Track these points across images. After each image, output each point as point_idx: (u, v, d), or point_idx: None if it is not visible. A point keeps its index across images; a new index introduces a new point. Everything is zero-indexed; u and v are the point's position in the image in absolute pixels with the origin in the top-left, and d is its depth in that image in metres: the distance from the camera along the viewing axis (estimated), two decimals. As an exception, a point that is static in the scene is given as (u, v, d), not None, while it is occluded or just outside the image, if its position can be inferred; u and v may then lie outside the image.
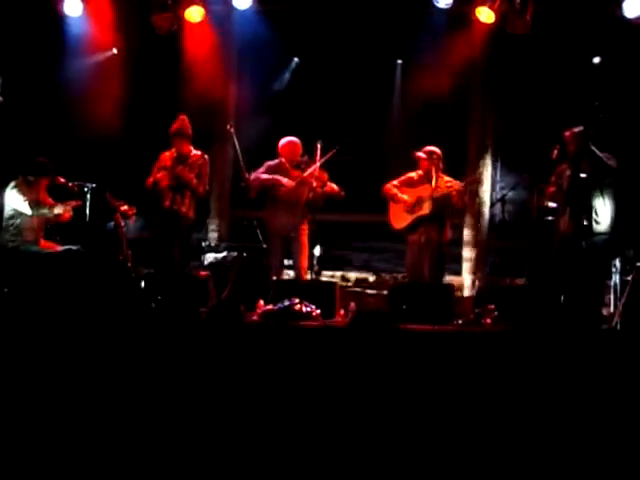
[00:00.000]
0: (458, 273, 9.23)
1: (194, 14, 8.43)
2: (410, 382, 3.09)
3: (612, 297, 7.30)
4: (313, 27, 8.85)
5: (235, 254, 8.03)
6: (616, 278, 7.33)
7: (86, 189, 7.83)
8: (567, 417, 3.50)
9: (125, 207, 7.70)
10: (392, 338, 3.10)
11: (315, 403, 3.00)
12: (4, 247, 7.25)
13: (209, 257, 8.22)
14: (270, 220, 7.62)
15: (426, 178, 7.48)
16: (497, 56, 8.69)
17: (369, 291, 9.10)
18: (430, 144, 7.59)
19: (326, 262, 8.30)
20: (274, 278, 7.19)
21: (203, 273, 7.34)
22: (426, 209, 7.36)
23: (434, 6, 8.17)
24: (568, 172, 7.01)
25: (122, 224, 7.70)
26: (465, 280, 9.21)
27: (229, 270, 7.73)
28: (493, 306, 6.43)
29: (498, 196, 8.69)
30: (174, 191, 7.45)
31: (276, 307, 6.37)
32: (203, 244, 8.80)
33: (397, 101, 9.49)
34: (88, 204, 7.83)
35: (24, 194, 7.30)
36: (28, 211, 7.25)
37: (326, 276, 8.95)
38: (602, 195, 6.89)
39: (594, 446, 3.25)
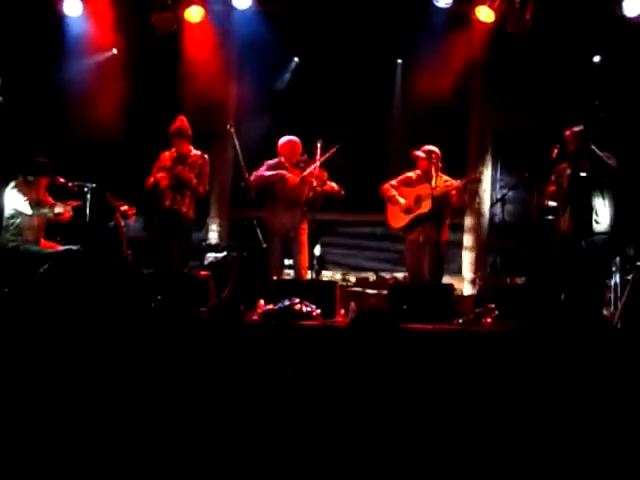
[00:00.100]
0: (458, 273, 9.23)
1: (194, 14, 8.43)
2: (412, 382, 3.08)
3: (612, 296, 7.31)
4: (313, 27, 8.85)
5: (235, 254, 8.04)
6: (616, 277, 7.33)
7: (86, 189, 7.83)
8: (568, 417, 3.50)
9: (125, 207, 7.71)
10: (394, 338, 3.09)
11: (316, 403, 3.00)
12: (4, 247, 7.25)
13: (209, 257, 8.23)
14: (270, 220, 7.62)
15: (425, 177, 7.49)
16: (497, 55, 8.69)
17: (369, 291, 9.10)
18: (430, 143, 7.60)
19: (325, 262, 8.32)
20: (274, 278, 7.19)
21: (203, 273, 7.34)
22: (425, 208, 7.37)
23: (434, 5, 8.16)
24: (568, 171, 7.02)
25: (122, 224, 7.71)
26: (465, 279, 9.21)
27: (229, 270, 7.74)
28: (493, 305, 6.43)
29: (498, 195, 8.69)
30: (174, 191, 7.45)
31: (276, 307, 6.37)
32: (203, 244, 8.81)
33: (397, 101, 9.49)
34: (88, 204, 7.83)
35: (24, 194, 7.30)
36: (28, 211, 7.26)
37: (326, 276, 8.96)
38: (602, 194, 6.89)
39: (595, 445, 3.25)
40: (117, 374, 3.63)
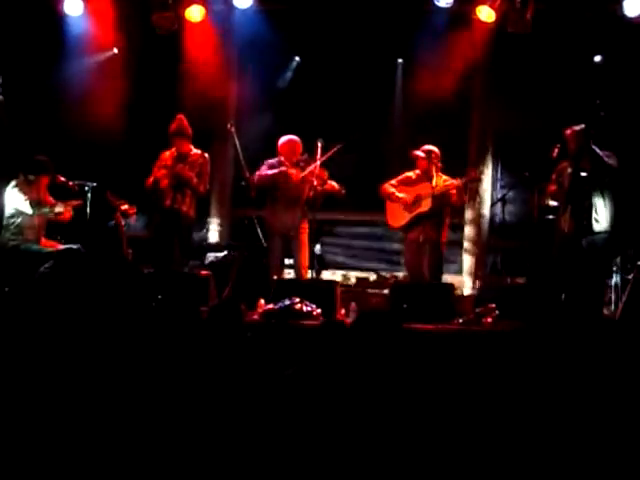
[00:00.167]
0: (459, 272, 9.23)
1: (195, 13, 8.43)
2: (413, 381, 3.08)
3: (613, 296, 7.31)
4: (314, 26, 8.84)
5: (235, 253, 8.04)
6: (617, 277, 7.33)
7: (86, 188, 7.84)
8: (569, 416, 3.50)
9: (126, 206, 7.71)
10: (397, 338, 3.09)
11: (317, 402, 3.00)
12: (5, 246, 7.25)
13: (210, 256, 8.23)
14: (270, 219, 7.62)
15: (424, 177, 7.49)
16: (498, 55, 8.69)
17: (370, 290, 9.10)
18: (430, 143, 7.60)
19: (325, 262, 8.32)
20: (274, 277, 7.19)
21: (204, 272, 7.34)
22: (425, 207, 7.37)
23: (435, 5, 8.16)
24: (569, 171, 7.01)
25: (122, 223, 7.72)
26: (466, 279, 9.21)
27: (230, 269, 7.74)
28: (494, 305, 6.43)
29: (499, 195, 8.69)
30: (175, 190, 7.45)
31: (276, 306, 6.37)
32: (204, 243, 8.81)
33: (398, 100, 9.49)
34: (88, 203, 7.83)
35: (25, 193, 7.30)
36: (29, 210, 7.26)
37: (326, 275, 8.96)
38: (603, 194, 6.88)
39: (596, 444, 3.25)
40: (117, 373, 3.63)
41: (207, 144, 8.20)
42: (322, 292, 6.75)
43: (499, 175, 9.30)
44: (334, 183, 7.50)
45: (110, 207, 7.75)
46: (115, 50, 9.09)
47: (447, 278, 8.18)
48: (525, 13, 7.85)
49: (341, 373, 3.12)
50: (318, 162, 7.35)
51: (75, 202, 7.55)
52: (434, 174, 7.43)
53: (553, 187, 7.14)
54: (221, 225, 9.59)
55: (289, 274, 7.95)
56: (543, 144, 7.40)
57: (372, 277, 9.52)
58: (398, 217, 7.55)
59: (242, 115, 9.24)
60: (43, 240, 7.45)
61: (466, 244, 9.31)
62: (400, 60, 9.47)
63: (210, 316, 3.91)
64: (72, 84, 8.83)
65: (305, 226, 7.52)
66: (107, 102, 8.71)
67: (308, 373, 3.17)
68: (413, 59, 8.95)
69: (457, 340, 5.76)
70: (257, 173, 7.54)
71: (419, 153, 7.51)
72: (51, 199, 7.54)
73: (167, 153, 7.59)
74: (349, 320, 6.47)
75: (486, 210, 9.23)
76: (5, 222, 7.35)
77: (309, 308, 6.34)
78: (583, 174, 6.89)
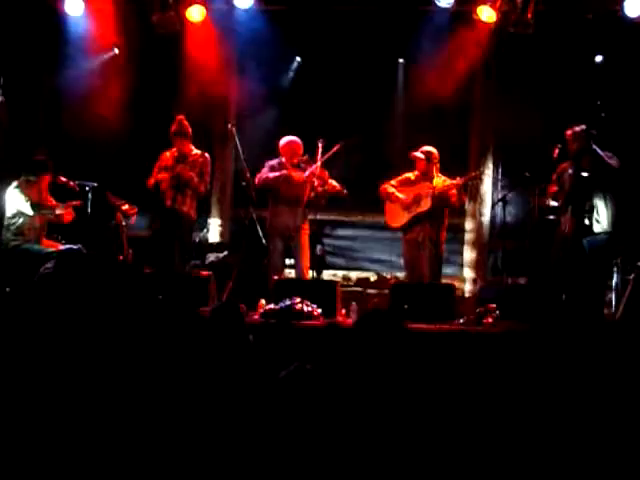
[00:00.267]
0: (459, 273, 9.23)
1: (195, 13, 8.43)
2: (414, 382, 3.08)
3: (613, 296, 7.31)
4: (314, 26, 8.84)
5: (236, 254, 8.04)
6: (617, 277, 7.33)
7: (87, 188, 7.84)
8: (569, 417, 3.50)
9: (126, 206, 7.72)
10: (401, 338, 3.09)
11: (317, 403, 3.00)
12: (6, 246, 7.26)
13: (210, 256, 8.23)
14: (271, 220, 7.62)
15: (423, 178, 7.49)
16: (499, 55, 8.69)
17: (370, 290, 9.11)
18: (431, 143, 7.61)
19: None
20: (275, 278, 7.20)
21: (204, 273, 7.34)
22: (424, 206, 7.37)
23: (436, 5, 8.16)
24: (570, 171, 7.02)
25: (123, 223, 7.72)
26: (466, 279, 9.22)
27: (230, 269, 7.74)
28: (494, 305, 6.43)
29: (499, 196, 8.69)
30: (175, 190, 7.45)
31: (277, 306, 6.37)
32: (204, 243, 8.81)
33: (399, 100, 9.49)
34: (89, 203, 7.84)
35: (26, 194, 7.31)
36: (29, 211, 7.27)
37: (327, 275, 8.96)
38: (603, 194, 6.89)
39: (597, 444, 3.26)
40: (118, 373, 3.63)
41: (208, 144, 8.21)
42: (323, 292, 6.75)
43: (500, 175, 9.30)
44: (335, 183, 7.50)
45: (111, 207, 7.76)
46: (116, 50, 9.09)
47: (447, 278, 8.19)
48: (526, 13, 7.85)
49: (342, 373, 3.12)
50: (319, 163, 7.36)
51: (75, 202, 7.56)
52: (434, 175, 7.44)
53: (554, 188, 7.15)
54: (222, 225, 9.59)
55: (290, 274, 7.96)
56: (544, 144, 7.41)
57: (372, 277, 9.52)
58: (397, 217, 7.56)
59: (243, 115, 9.24)
60: (44, 240, 7.46)
61: (467, 244, 9.31)
62: (401, 60, 9.47)
63: (212, 317, 3.91)
64: (73, 84, 8.83)
65: (306, 227, 7.53)
66: (108, 102, 8.72)
67: (308, 373, 3.17)
68: (414, 59, 8.95)
69: (457, 340, 5.75)
70: (258, 175, 7.54)
71: (418, 154, 7.51)
72: (52, 199, 7.55)
73: (168, 153, 7.59)
74: (350, 320, 6.48)
75: (487, 210, 9.24)
76: (6, 222, 7.36)
77: (310, 308, 6.34)
78: (584, 174, 6.89)
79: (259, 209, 8.02)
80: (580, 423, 3.45)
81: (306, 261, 7.49)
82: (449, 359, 5.14)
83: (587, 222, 6.89)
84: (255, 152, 8.10)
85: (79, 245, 7.30)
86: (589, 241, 6.85)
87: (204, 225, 9.32)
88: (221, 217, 9.61)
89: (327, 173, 7.54)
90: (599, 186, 6.91)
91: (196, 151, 7.59)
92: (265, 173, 7.53)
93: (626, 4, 7.86)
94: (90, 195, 7.85)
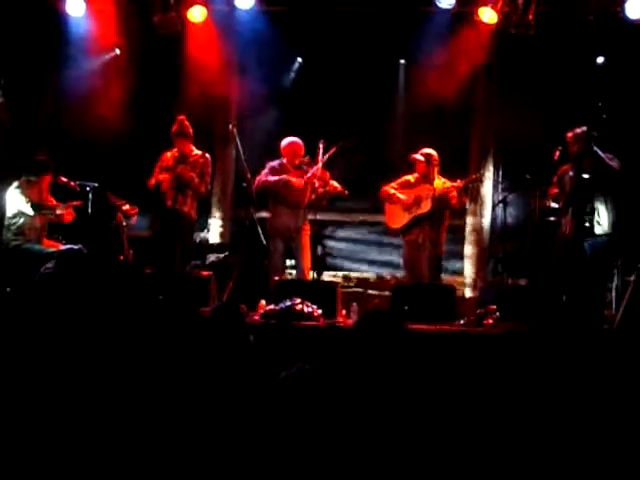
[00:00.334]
0: (460, 274, 9.23)
1: (196, 14, 8.42)
2: (414, 383, 3.08)
3: (614, 298, 7.30)
4: (316, 27, 8.83)
5: (237, 254, 8.04)
6: (617, 279, 7.32)
7: (88, 188, 7.84)
8: (569, 418, 3.50)
9: (127, 207, 7.73)
10: (401, 339, 3.09)
11: (318, 404, 3.00)
12: (6, 246, 7.27)
13: (211, 257, 8.23)
14: (272, 221, 7.63)
15: (423, 180, 7.50)
16: (500, 56, 8.68)
17: (371, 291, 9.10)
18: (432, 144, 7.61)
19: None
20: (275, 278, 7.20)
21: (205, 273, 7.34)
22: (425, 208, 7.37)
23: (437, 6, 8.16)
24: (570, 173, 7.02)
25: (124, 223, 7.72)
26: (467, 281, 9.21)
27: (230, 270, 7.74)
28: (495, 307, 6.43)
29: (500, 197, 8.69)
30: (176, 191, 7.45)
31: (277, 307, 6.37)
32: (205, 244, 8.81)
33: (400, 101, 9.49)
34: (90, 203, 7.84)
35: (27, 195, 7.32)
36: (30, 211, 7.28)
37: (327, 276, 8.96)
38: (604, 196, 6.89)
39: (597, 445, 3.26)
40: (118, 373, 3.63)
41: (209, 145, 8.21)
42: (323, 293, 6.75)
43: (500, 177, 9.29)
44: (336, 184, 7.51)
45: (111, 207, 7.76)
46: (117, 51, 9.08)
47: (448, 279, 8.18)
48: (527, 15, 7.84)
49: (342, 374, 3.12)
50: (320, 164, 7.36)
51: (76, 202, 7.57)
52: (434, 177, 7.45)
53: (554, 189, 7.15)
54: (222, 226, 9.59)
55: (290, 275, 7.96)
56: (545, 146, 7.41)
57: (373, 278, 9.52)
58: (397, 218, 7.56)
59: (244, 116, 9.24)
60: (45, 240, 7.46)
61: (467, 246, 9.31)
62: (402, 61, 9.46)
63: (212, 317, 3.91)
64: (74, 85, 8.83)
65: (307, 228, 7.53)
66: (109, 102, 8.71)
67: (308, 374, 3.16)
68: (415, 60, 8.94)
69: (458, 341, 5.76)
70: (258, 178, 7.55)
71: (418, 156, 7.51)
72: (53, 200, 7.55)
73: (168, 154, 7.59)
74: (350, 321, 6.48)
75: (487, 212, 9.23)
76: (7, 222, 7.36)
77: (310, 309, 6.34)
78: (585, 176, 6.89)
79: (260, 210, 8.03)
80: (580, 424, 3.45)
81: (307, 262, 7.49)
82: (449, 360, 5.14)
83: (588, 224, 6.90)
84: (256, 153, 8.10)
85: (80, 245, 7.30)
86: (590, 244, 6.86)
87: (205, 225, 9.32)
88: (222, 217, 9.61)
89: (328, 174, 7.54)
90: (600, 188, 6.90)
91: (197, 151, 7.60)
92: (265, 176, 7.53)
93: (627, 6, 7.86)
94: (91, 195, 7.85)
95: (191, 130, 7.55)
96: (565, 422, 3.47)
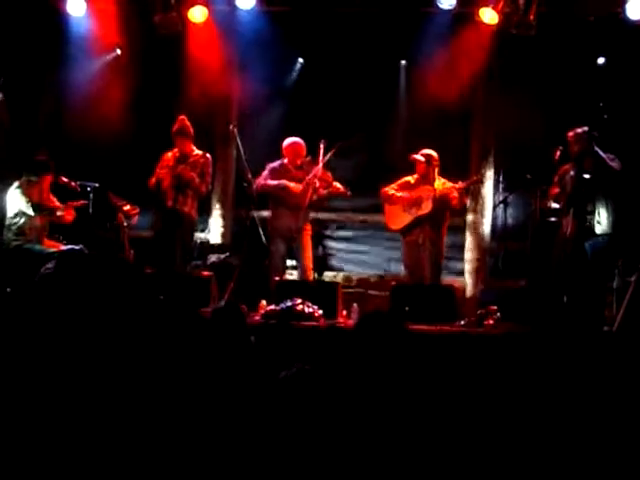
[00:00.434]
0: (460, 274, 9.22)
1: (197, 14, 8.41)
2: (414, 383, 3.08)
3: (614, 298, 7.30)
4: (317, 27, 8.83)
5: (237, 254, 8.05)
6: (618, 279, 7.32)
7: (89, 189, 7.84)
8: (569, 419, 3.50)
9: (127, 207, 7.73)
10: (401, 339, 3.09)
11: (318, 404, 3.00)
12: (7, 246, 7.27)
13: (212, 257, 8.23)
14: (273, 222, 7.63)
15: (423, 181, 7.50)
16: (501, 57, 8.68)
17: (371, 292, 9.10)
18: (432, 145, 7.62)
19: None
20: (276, 279, 7.20)
21: (205, 273, 7.34)
22: (425, 209, 7.37)
23: (438, 7, 8.16)
24: (571, 173, 7.02)
25: (124, 224, 7.73)
26: (467, 281, 9.21)
27: (231, 270, 7.74)
28: (495, 307, 6.43)
29: (501, 198, 8.68)
30: (176, 191, 7.45)
31: (278, 307, 6.37)
32: (205, 244, 8.81)
33: (401, 102, 9.48)
34: (90, 204, 7.84)
35: (27, 195, 7.33)
36: (31, 212, 7.28)
37: (328, 276, 8.96)
38: (605, 196, 6.89)
39: (597, 447, 3.26)
40: (119, 373, 3.63)
41: (209, 145, 8.21)
42: (324, 293, 6.75)
43: (501, 177, 9.28)
44: (339, 185, 7.52)
45: (112, 208, 7.77)
46: (118, 51, 9.08)
47: (449, 280, 8.18)
48: (528, 15, 7.83)
49: (342, 374, 3.12)
50: (320, 164, 7.37)
51: (78, 203, 7.58)
52: (434, 178, 7.45)
53: (555, 190, 7.15)
54: (223, 226, 9.58)
55: (291, 275, 7.96)
56: (545, 146, 7.41)
57: (373, 278, 9.51)
58: (398, 219, 7.56)
59: (244, 116, 9.24)
60: (45, 240, 7.46)
61: (468, 246, 9.30)
62: (403, 62, 9.46)
63: (213, 317, 3.91)
64: (74, 84, 8.84)
65: (308, 228, 7.54)
66: (109, 102, 8.71)
67: (309, 374, 3.16)
68: (416, 61, 8.94)
69: (458, 342, 5.76)
70: (258, 181, 7.55)
71: (418, 157, 7.51)
72: (54, 201, 7.56)
73: (169, 154, 7.60)
74: (351, 321, 6.48)
75: (488, 212, 9.23)
76: (7, 222, 7.37)
77: (310, 309, 6.34)
78: (586, 176, 6.89)
79: (260, 210, 8.03)
80: (581, 425, 3.45)
81: (309, 262, 7.49)
82: (450, 361, 5.14)
83: (588, 224, 6.90)
84: (257, 153, 8.10)
85: (81, 245, 7.31)
86: (591, 244, 6.86)
87: (205, 226, 9.32)
88: (222, 218, 9.60)
89: (330, 175, 7.55)
90: (601, 188, 6.91)
91: (197, 151, 7.60)
92: (264, 179, 7.53)
93: (628, 6, 7.86)
94: (91, 196, 7.85)
95: (192, 130, 7.55)
96: (565, 423, 3.47)
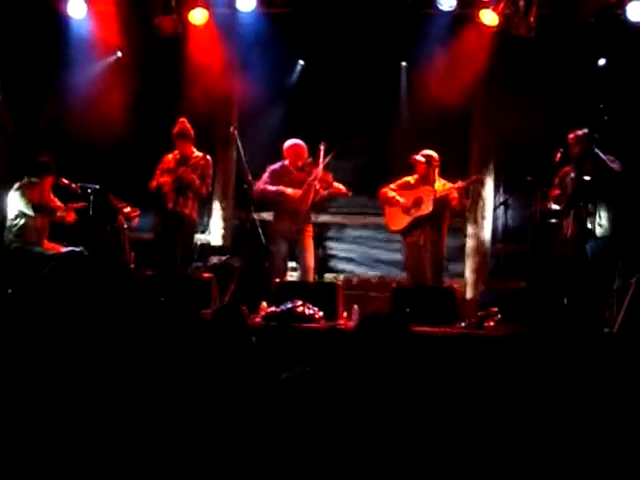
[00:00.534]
0: (461, 276, 9.22)
1: (198, 16, 8.42)
2: (415, 385, 3.09)
3: (614, 300, 7.30)
4: (317, 29, 8.83)
5: (238, 256, 8.05)
6: (618, 280, 7.32)
7: (89, 190, 7.84)
8: (570, 421, 3.50)
9: (128, 209, 7.74)
10: (403, 341, 3.09)
11: (319, 406, 3.00)
12: (8, 248, 7.27)
13: (212, 259, 8.23)
14: (274, 224, 7.64)
15: (423, 182, 7.50)
16: (501, 58, 8.67)
17: (372, 293, 9.09)
18: (433, 146, 7.62)
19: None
20: (277, 280, 7.20)
21: (206, 275, 7.34)
22: (425, 210, 7.38)
23: (438, 9, 8.16)
24: (572, 175, 7.03)
25: (125, 226, 7.73)
26: (467, 283, 9.21)
27: (232, 272, 7.74)
28: (496, 309, 6.42)
29: (501, 199, 8.68)
30: (177, 193, 7.46)
31: (279, 309, 6.37)
32: (206, 246, 8.81)
33: (402, 103, 9.48)
34: (91, 206, 7.84)
35: (28, 196, 7.33)
36: (31, 212, 7.28)
37: (328, 278, 8.96)
38: (605, 198, 6.89)
39: (597, 448, 3.26)
40: (119, 376, 3.63)
41: (210, 147, 8.21)
42: (324, 295, 6.75)
43: (501, 179, 9.28)
44: (340, 185, 7.53)
45: (112, 210, 7.77)
46: (119, 53, 9.09)
47: (449, 282, 8.18)
48: (528, 17, 7.84)
49: (343, 376, 3.12)
50: (321, 166, 7.37)
51: (78, 205, 7.58)
52: (434, 178, 7.46)
53: (556, 191, 7.15)
54: (223, 228, 9.59)
55: (292, 277, 7.96)
56: (546, 148, 7.41)
57: (374, 280, 9.51)
58: (397, 220, 7.56)
59: (245, 118, 9.24)
60: (46, 242, 7.46)
61: (468, 248, 9.30)
62: (404, 63, 9.46)
63: (213, 319, 3.91)
64: (75, 87, 8.84)
65: (310, 229, 7.54)
66: (110, 105, 8.71)
67: (309, 376, 3.17)
68: (416, 62, 8.94)
69: (459, 344, 5.75)
70: (257, 185, 7.55)
71: (419, 157, 7.52)
72: (56, 201, 7.56)
73: (170, 156, 7.61)
74: (351, 323, 6.48)
75: (488, 214, 9.23)
76: (8, 224, 7.37)
77: (311, 311, 6.34)
78: (586, 178, 6.89)
79: (261, 211, 8.02)
80: (581, 426, 3.45)
81: (311, 262, 7.49)
82: (451, 362, 5.14)
83: (589, 226, 6.90)
84: (258, 155, 8.11)
85: (81, 247, 7.31)
86: (591, 246, 6.86)
87: (206, 227, 9.32)
88: (223, 219, 9.60)
89: (331, 176, 7.55)
90: (601, 190, 6.91)
91: (198, 153, 7.61)
92: (263, 184, 7.53)
93: (628, 8, 7.86)
94: (92, 197, 7.85)
95: (192, 132, 7.56)
96: (566, 424, 3.47)
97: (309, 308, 6.35)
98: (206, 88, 8.69)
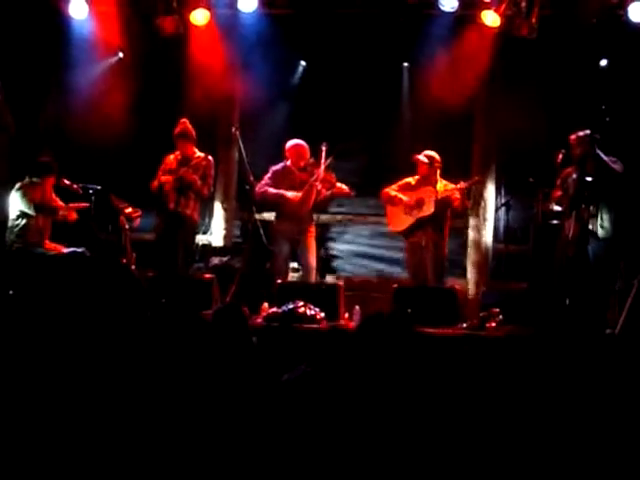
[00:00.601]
0: (462, 277, 9.21)
1: (199, 17, 8.42)
2: (416, 386, 3.08)
3: (617, 301, 7.29)
4: (319, 30, 8.83)
5: (240, 257, 8.05)
6: (620, 281, 7.31)
7: (90, 191, 7.84)
8: (571, 422, 3.50)
9: (129, 209, 7.74)
10: (405, 342, 3.09)
11: (321, 406, 3.00)
12: (9, 248, 7.27)
13: (214, 260, 8.23)
14: (276, 224, 7.64)
15: (425, 182, 7.50)
16: (503, 59, 8.67)
17: (373, 294, 9.08)
18: (435, 147, 7.62)
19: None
20: (279, 281, 7.19)
21: (207, 276, 7.34)
22: (427, 210, 7.38)
23: (440, 9, 8.16)
24: (574, 176, 7.02)
25: (126, 226, 7.73)
26: (469, 284, 9.20)
27: (233, 273, 7.74)
28: (498, 310, 6.42)
29: (503, 200, 8.67)
30: (178, 193, 7.46)
31: (280, 310, 6.36)
32: (208, 247, 8.81)
33: (404, 104, 9.47)
34: (92, 206, 7.84)
35: (29, 196, 7.32)
36: (32, 212, 7.28)
37: (330, 278, 8.95)
38: (607, 199, 6.88)
39: (598, 449, 3.25)
40: (121, 376, 3.63)
41: (212, 147, 8.21)
42: (326, 296, 6.75)
43: (503, 180, 9.28)
44: (343, 186, 7.53)
45: (114, 210, 7.77)
46: (120, 54, 9.09)
47: (451, 282, 8.17)
48: (530, 18, 7.83)
49: (344, 377, 3.12)
50: (322, 167, 7.37)
51: (80, 205, 7.58)
52: (436, 179, 7.46)
53: (558, 192, 7.15)
54: (225, 229, 9.58)
55: (293, 277, 7.96)
56: (548, 149, 7.40)
57: (375, 280, 9.50)
58: (399, 221, 7.56)
59: (247, 119, 9.24)
60: (47, 243, 7.46)
61: (470, 248, 9.29)
62: (405, 64, 9.46)
63: (215, 320, 3.91)
64: (77, 87, 8.84)
65: (312, 230, 7.54)
66: (112, 105, 8.71)
67: (311, 377, 3.16)
68: (418, 63, 8.94)
69: (461, 344, 5.75)
70: (259, 187, 7.55)
71: (421, 157, 7.52)
72: (58, 201, 7.56)
73: (171, 157, 7.61)
74: (353, 323, 6.47)
75: (490, 215, 9.22)
76: (10, 224, 7.37)
77: (312, 312, 6.33)
78: (588, 179, 6.89)
79: (262, 212, 8.02)
80: (582, 426, 3.44)
81: (313, 263, 7.49)
82: (452, 363, 5.14)
83: (591, 227, 6.89)
84: (260, 155, 8.11)
85: (83, 248, 7.31)
86: (593, 247, 6.85)
87: (207, 228, 9.32)
88: (224, 220, 9.60)
89: (334, 176, 7.55)
90: (603, 191, 6.90)
91: (199, 154, 7.61)
92: (264, 186, 7.53)
93: (630, 9, 7.86)
94: (93, 198, 7.85)
95: (194, 132, 7.56)
96: (568, 425, 3.47)
97: (310, 309, 6.34)
98: (208, 89, 8.69)
